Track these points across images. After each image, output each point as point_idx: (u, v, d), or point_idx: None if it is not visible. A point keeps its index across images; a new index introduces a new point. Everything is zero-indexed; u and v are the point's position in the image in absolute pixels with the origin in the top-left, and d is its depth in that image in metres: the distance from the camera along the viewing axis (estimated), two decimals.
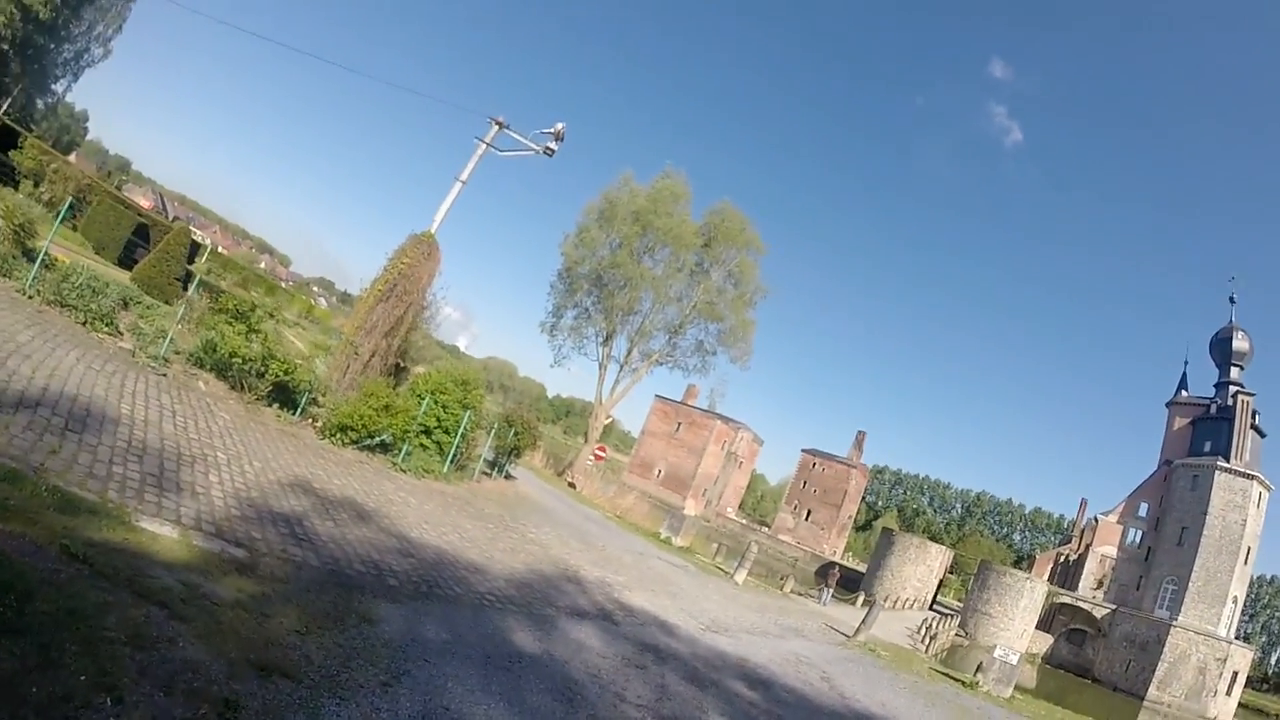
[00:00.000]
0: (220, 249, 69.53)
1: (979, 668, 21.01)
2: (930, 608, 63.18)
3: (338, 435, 16.29)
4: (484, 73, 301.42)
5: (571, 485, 39.53)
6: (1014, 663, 20.97)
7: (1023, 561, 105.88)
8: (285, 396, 16.64)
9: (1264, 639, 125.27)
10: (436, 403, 20.03)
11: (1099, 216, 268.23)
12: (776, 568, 60.60)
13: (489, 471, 24.68)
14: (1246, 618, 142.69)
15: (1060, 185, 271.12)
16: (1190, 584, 62.62)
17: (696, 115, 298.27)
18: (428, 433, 19.75)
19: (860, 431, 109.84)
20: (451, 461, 20.41)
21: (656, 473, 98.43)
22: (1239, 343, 72.26)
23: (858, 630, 22.33)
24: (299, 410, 16.65)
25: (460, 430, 20.33)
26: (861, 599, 39.99)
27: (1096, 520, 73.54)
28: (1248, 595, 75.93)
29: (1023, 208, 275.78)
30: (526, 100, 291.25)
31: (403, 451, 17.76)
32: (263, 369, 15.76)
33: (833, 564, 54.01)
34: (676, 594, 16.53)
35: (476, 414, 22.18)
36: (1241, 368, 72.20)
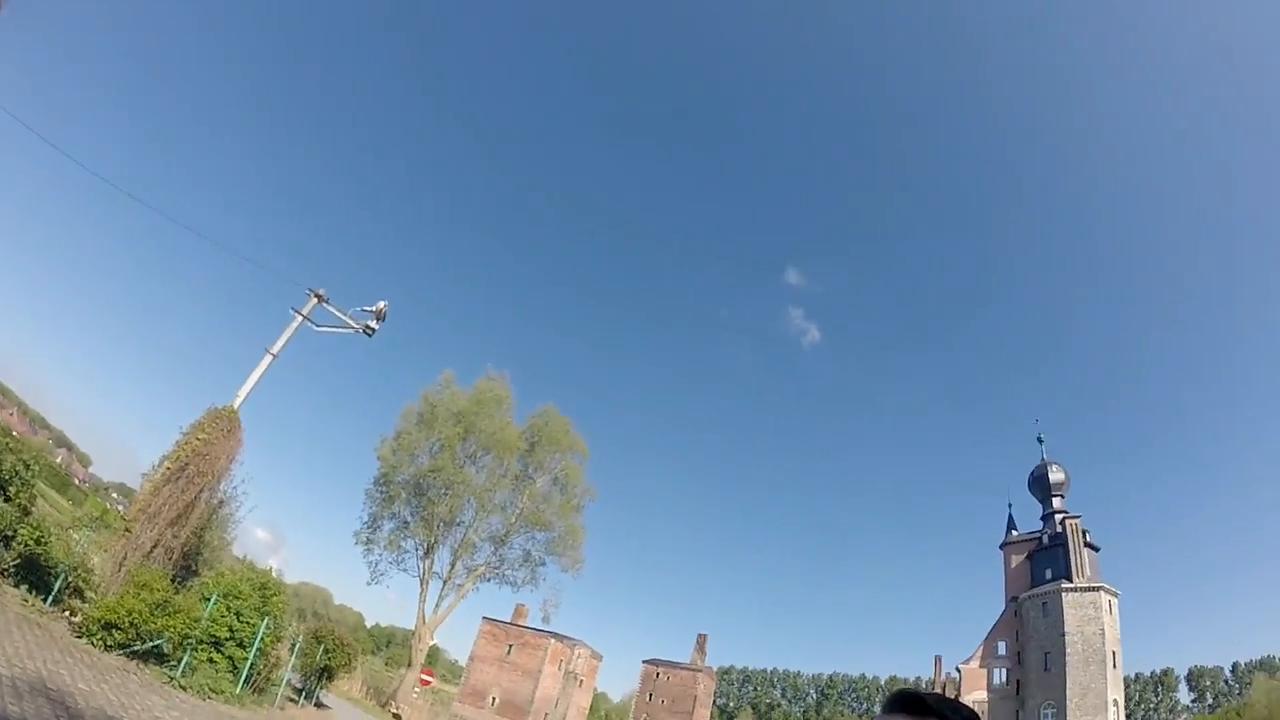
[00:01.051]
0: (14, 431, 60.31)
1: None
2: None
3: (100, 635, 13.71)
4: (306, 240, 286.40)
5: (396, 717, 35.26)
6: None
7: None
8: (38, 577, 13.84)
9: None
10: (229, 609, 17.37)
11: (902, 397, 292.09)
12: None
13: (295, 698, 21.46)
14: (1193, 702, 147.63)
15: (860, 373, 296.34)
16: (1068, 703, 63.73)
17: (521, 315, 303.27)
18: (217, 644, 16.96)
19: (701, 634, 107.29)
20: (246, 682, 17.59)
21: (490, 700, 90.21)
22: (1055, 475, 78.72)
23: None
24: (52, 597, 13.84)
25: (256, 644, 17.69)
26: None
27: (959, 670, 74.44)
28: (1127, 696, 77.50)
29: (826, 397, 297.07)
30: (349, 273, 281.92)
31: (182, 663, 15.02)
32: (9, 533, 13.11)
33: None
34: None
35: (277, 623, 19.47)
36: (1062, 496, 78.11)
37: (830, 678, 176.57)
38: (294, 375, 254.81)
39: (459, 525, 43.22)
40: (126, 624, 13.67)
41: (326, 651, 22.82)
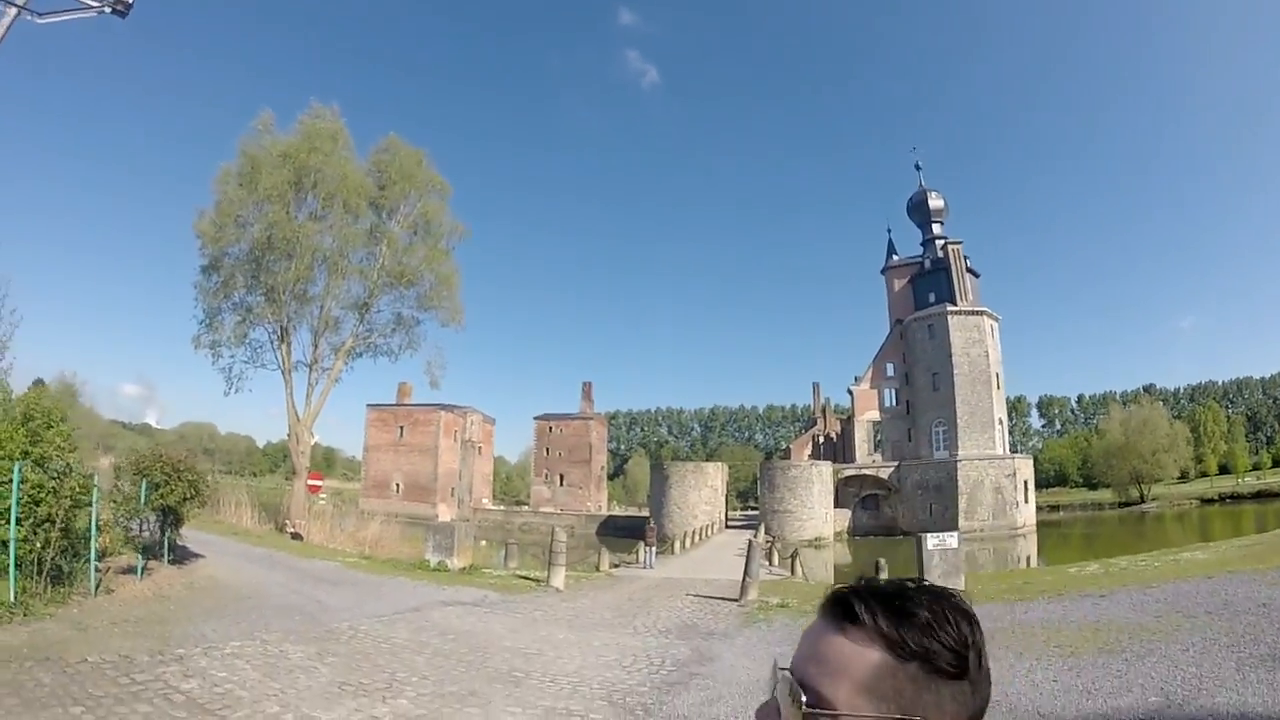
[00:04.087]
0: None
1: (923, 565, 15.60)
2: (727, 527, 60.51)
3: None
4: None
5: (296, 536, 29.50)
6: (955, 546, 16.04)
7: (774, 455, 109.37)
8: None
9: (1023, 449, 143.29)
10: None
11: (761, 125, 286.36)
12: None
13: (136, 566, 14.87)
14: (1043, 427, 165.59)
15: (708, 109, 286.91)
16: (958, 420, 66.89)
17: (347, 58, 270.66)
18: None
19: (586, 382, 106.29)
20: (34, 571, 10.98)
21: (395, 488, 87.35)
22: (934, 201, 78.48)
23: (744, 588, 16.17)
24: None
25: (14, 509, 10.83)
26: (681, 544, 34.82)
27: (850, 393, 76.27)
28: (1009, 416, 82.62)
29: (670, 138, 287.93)
30: None
31: None
32: None
33: (647, 519, 48.65)
34: (518, 679, 8.92)
35: (61, 469, 12.51)
36: (941, 223, 78.18)
37: (712, 410, 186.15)
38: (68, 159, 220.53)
39: (314, 301, 35.22)
40: None
41: (158, 489, 15.74)
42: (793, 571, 26.77)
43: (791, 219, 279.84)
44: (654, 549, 27.56)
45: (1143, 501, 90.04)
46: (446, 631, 11.34)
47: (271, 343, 34.92)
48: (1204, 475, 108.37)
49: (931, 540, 16.13)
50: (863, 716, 0.83)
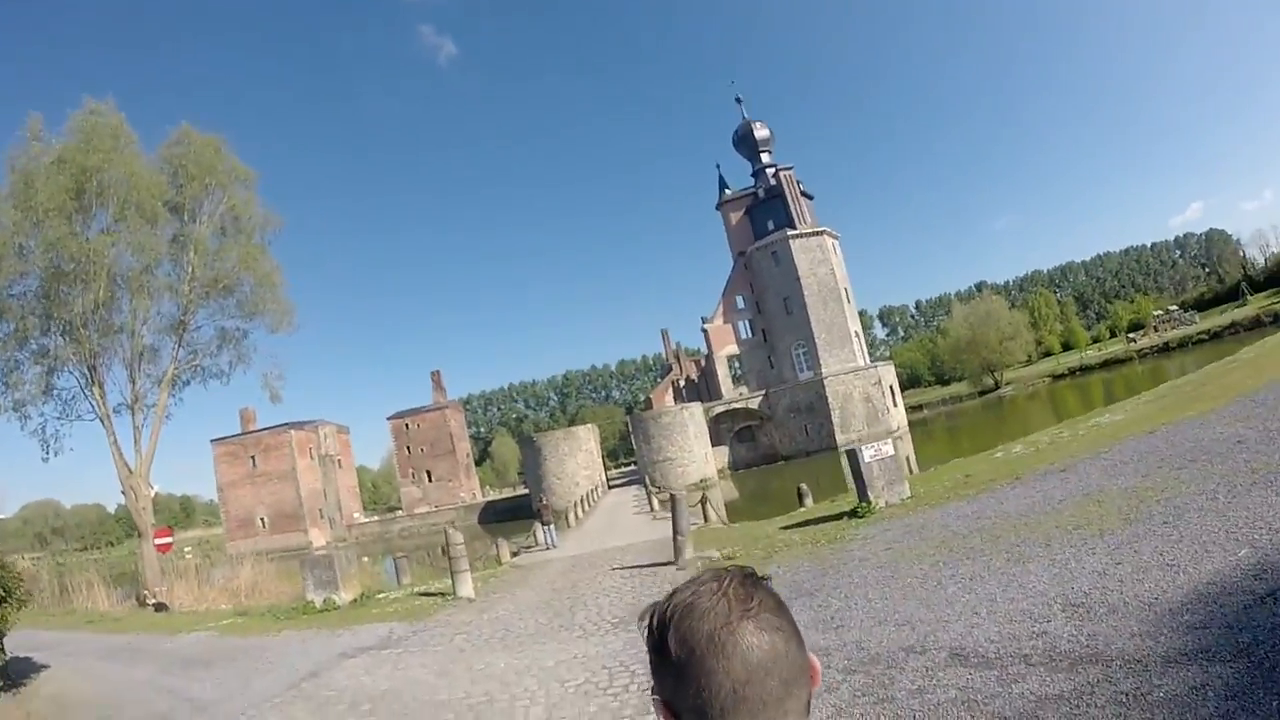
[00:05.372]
0: None
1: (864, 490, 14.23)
2: (610, 488, 59.15)
3: None
4: None
5: (160, 607, 25.18)
6: (893, 453, 14.79)
7: (635, 409, 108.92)
8: None
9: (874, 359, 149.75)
10: None
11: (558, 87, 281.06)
12: (437, 539, 50.38)
13: None
14: (888, 335, 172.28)
15: (507, 79, 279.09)
16: (816, 339, 67.91)
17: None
18: None
19: (434, 371, 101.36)
20: None
21: (260, 522, 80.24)
22: (760, 131, 78.39)
23: (677, 548, 14.42)
24: None
25: None
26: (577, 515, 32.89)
27: (704, 330, 75.81)
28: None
29: (474, 107, 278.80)
30: None
31: None
32: None
33: (536, 498, 46.13)
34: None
35: None
36: (769, 152, 78.41)
37: (565, 376, 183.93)
38: None
39: (122, 330, 29.83)
40: None
41: None
42: (705, 518, 25.29)
43: (616, 175, 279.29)
44: (553, 525, 25.30)
45: (998, 388, 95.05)
46: (359, 700, 8.72)
47: (82, 388, 29.52)
48: (1047, 355, 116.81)
49: (868, 452, 14.83)
50: (654, 698, 0.99)
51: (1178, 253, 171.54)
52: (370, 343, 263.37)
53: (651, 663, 0.99)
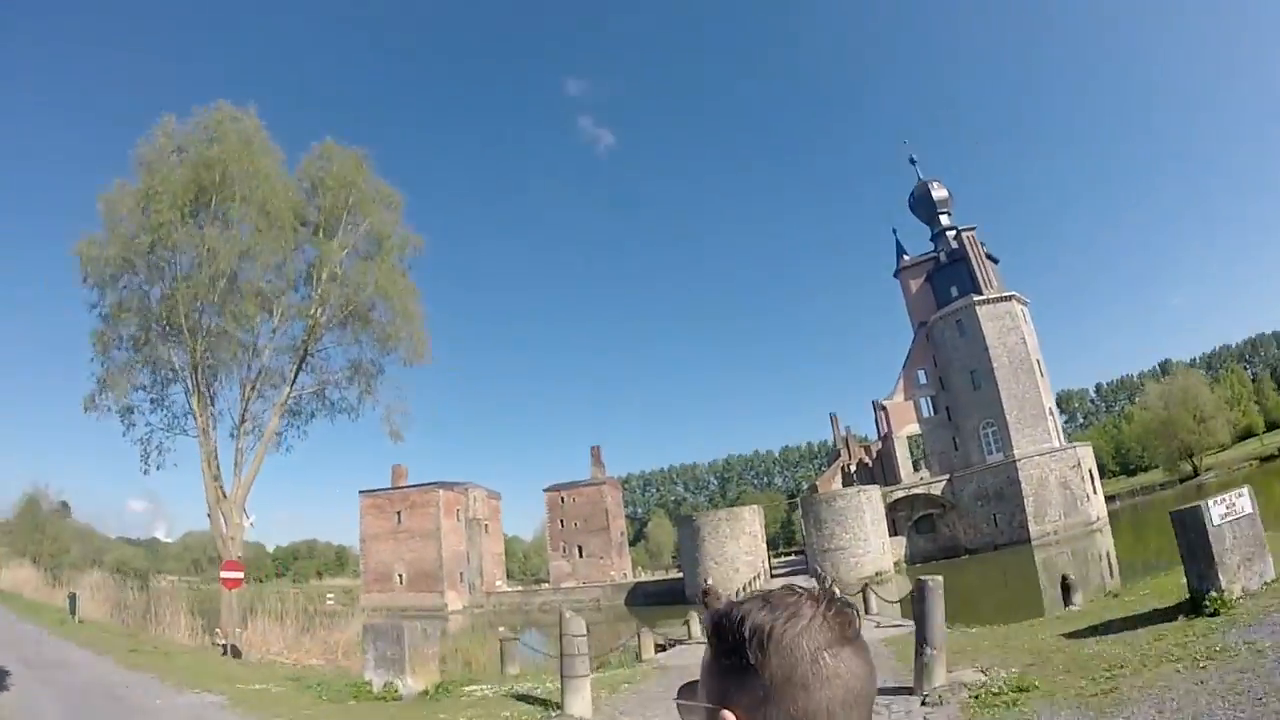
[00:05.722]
0: None
1: None
2: (773, 576, 52.20)
3: None
4: None
5: (233, 650, 21.27)
6: (1250, 511, 8.27)
7: (799, 495, 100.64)
8: None
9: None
10: None
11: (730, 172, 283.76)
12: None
13: None
14: (1065, 423, 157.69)
15: (668, 164, 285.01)
16: (1007, 417, 60.12)
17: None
18: None
19: (594, 446, 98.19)
20: None
21: (398, 579, 78.68)
22: (937, 192, 73.07)
23: (921, 670, 8.33)
24: None
25: None
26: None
27: (884, 408, 68.56)
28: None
29: (630, 195, 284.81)
30: None
31: None
32: None
33: (703, 578, 40.32)
34: None
35: None
36: (948, 213, 72.69)
37: (726, 460, 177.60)
38: None
39: (234, 340, 27.07)
40: None
41: None
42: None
43: (784, 254, 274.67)
44: None
45: (1197, 474, 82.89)
46: None
47: (187, 399, 26.89)
48: (1244, 437, 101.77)
49: (1218, 509, 8.34)
50: (692, 704, 0.95)
51: None
52: (533, 415, 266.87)
53: (720, 669, 0.92)
